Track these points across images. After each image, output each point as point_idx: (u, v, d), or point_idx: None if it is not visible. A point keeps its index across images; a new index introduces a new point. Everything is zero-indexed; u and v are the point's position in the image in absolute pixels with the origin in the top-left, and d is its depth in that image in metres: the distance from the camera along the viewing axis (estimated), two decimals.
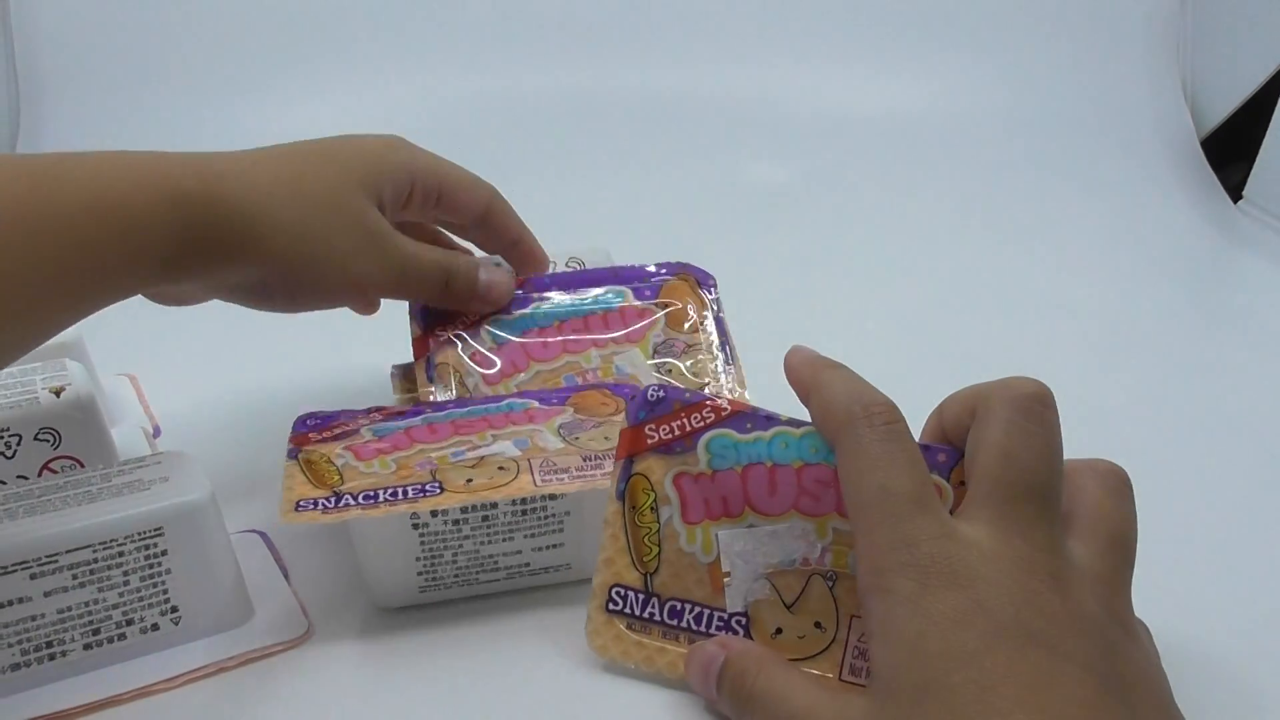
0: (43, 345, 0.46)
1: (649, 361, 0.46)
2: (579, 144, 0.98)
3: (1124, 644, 0.28)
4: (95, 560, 0.34)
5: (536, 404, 0.43)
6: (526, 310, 0.47)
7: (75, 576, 0.34)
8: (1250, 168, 0.90)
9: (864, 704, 0.29)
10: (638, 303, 0.48)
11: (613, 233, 0.82)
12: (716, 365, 0.47)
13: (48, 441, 0.41)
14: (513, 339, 0.47)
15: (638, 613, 0.35)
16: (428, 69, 1.01)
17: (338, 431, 0.40)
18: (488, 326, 0.47)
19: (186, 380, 0.57)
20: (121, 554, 0.35)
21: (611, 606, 0.35)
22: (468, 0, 1.03)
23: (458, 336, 0.47)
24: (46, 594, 0.34)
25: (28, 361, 0.44)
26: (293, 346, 0.59)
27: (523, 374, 0.46)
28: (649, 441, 0.35)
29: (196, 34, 0.99)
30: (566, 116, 1.00)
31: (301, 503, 0.36)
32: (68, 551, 0.34)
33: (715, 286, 0.49)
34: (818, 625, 0.33)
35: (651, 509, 0.35)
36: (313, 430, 0.40)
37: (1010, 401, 0.31)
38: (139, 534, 0.35)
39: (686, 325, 0.48)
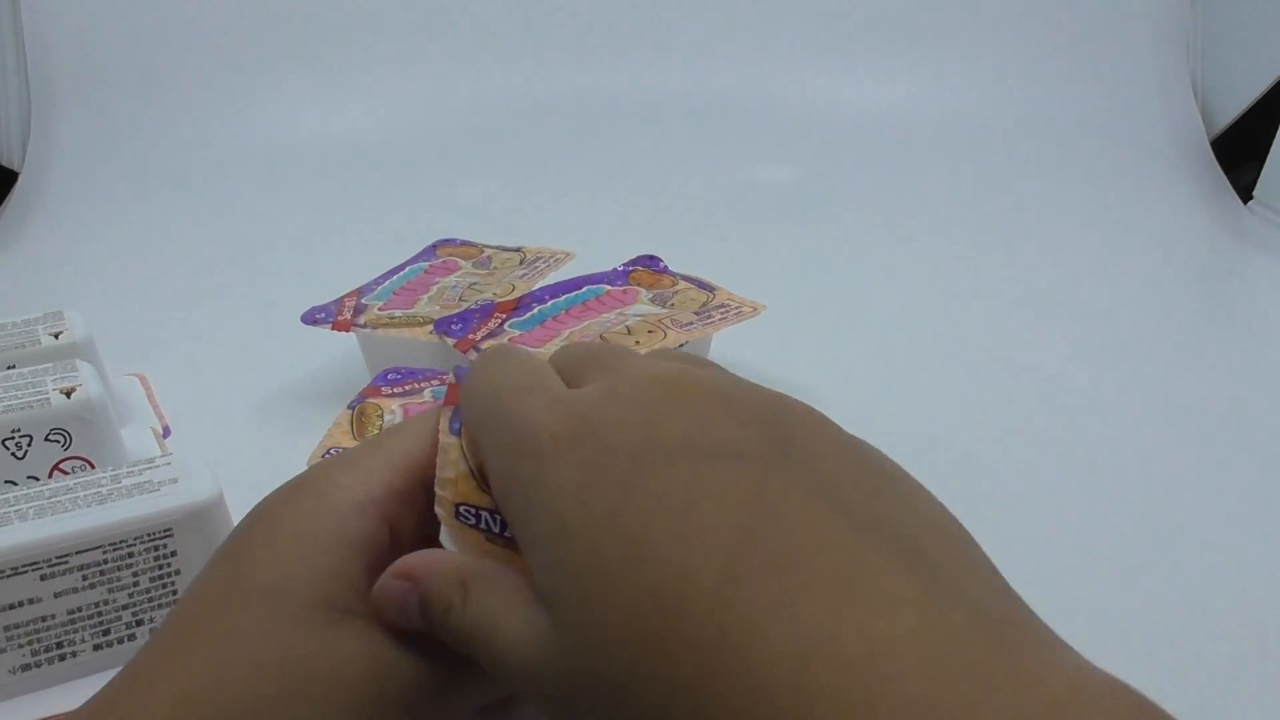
0: (52, 346, 0.47)
1: (650, 306, 0.53)
2: (586, 145, 0.98)
3: (793, 439, 0.22)
4: (105, 561, 0.34)
5: None
6: (533, 312, 0.51)
7: (85, 577, 0.34)
8: (1260, 168, 0.89)
9: (548, 634, 0.22)
10: (617, 286, 0.55)
11: (617, 232, 0.82)
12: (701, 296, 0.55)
13: (58, 442, 0.42)
14: (533, 329, 0.51)
15: (497, 531, 0.26)
16: (435, 73, 1.02)
17: (407, 389, 0.39)
18: (507, 329, 0.50)
19: (196, 381, 0.58)
20: (131, 555, 0.35)
21: (463, 520, 0.27)
22: (473, 4, 1.03)
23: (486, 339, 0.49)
24: (57, 595, 0.34)
25: (38, 363, 0.45)
26: (303, 348, 0.60)
27: (557, 340, 0.50)
28: None
29: (208, 40, 0.99)
30: (572, 118, 1.00)
31: (331, 450, 0.35)
32: (78, 552, 0.34)
33: (664, 262, 0.58)
34: None
35: None
36: (385, 385, 0.39)
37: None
38: (149, 535, 0.35)
39: (668, 283, 0.56)
